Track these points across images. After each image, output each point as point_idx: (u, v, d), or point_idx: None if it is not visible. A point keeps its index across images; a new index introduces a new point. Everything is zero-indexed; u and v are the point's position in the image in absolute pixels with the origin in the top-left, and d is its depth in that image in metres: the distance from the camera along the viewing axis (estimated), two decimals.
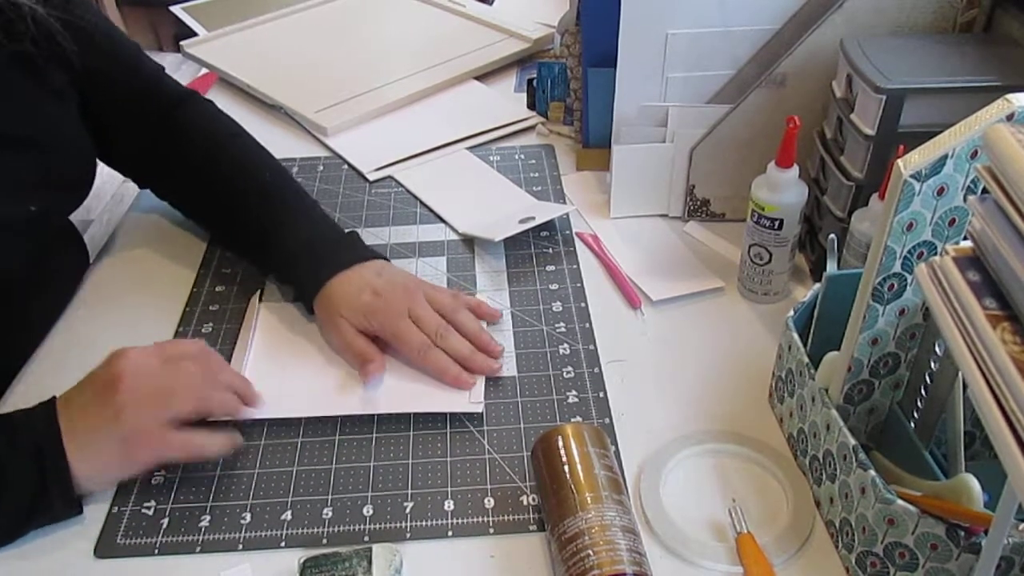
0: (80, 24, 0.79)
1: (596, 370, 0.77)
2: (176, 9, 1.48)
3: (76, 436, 0.63)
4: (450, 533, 0.64)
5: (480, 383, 0.74)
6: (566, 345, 0.79)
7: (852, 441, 0.58)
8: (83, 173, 0.85)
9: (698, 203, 0.93)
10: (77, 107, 0.83)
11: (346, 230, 0.85)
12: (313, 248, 0.81)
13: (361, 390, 0.74)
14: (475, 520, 0.64)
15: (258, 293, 0.85)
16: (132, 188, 1.00)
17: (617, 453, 0.69)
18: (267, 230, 0.82)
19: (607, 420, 0.72)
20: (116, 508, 0.66)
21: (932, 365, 0.60)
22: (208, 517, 0.65)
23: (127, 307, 0.86)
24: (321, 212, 0.86)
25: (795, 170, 0.76)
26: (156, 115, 0.89)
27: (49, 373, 0.78)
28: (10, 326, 0.79)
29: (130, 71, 0.88)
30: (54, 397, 0.65)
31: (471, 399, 0.73)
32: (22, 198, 0.77)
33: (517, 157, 1.07)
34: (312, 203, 0.87)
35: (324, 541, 0.63)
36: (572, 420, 0.71)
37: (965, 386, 0.50)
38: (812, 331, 0.69)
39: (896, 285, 0.57)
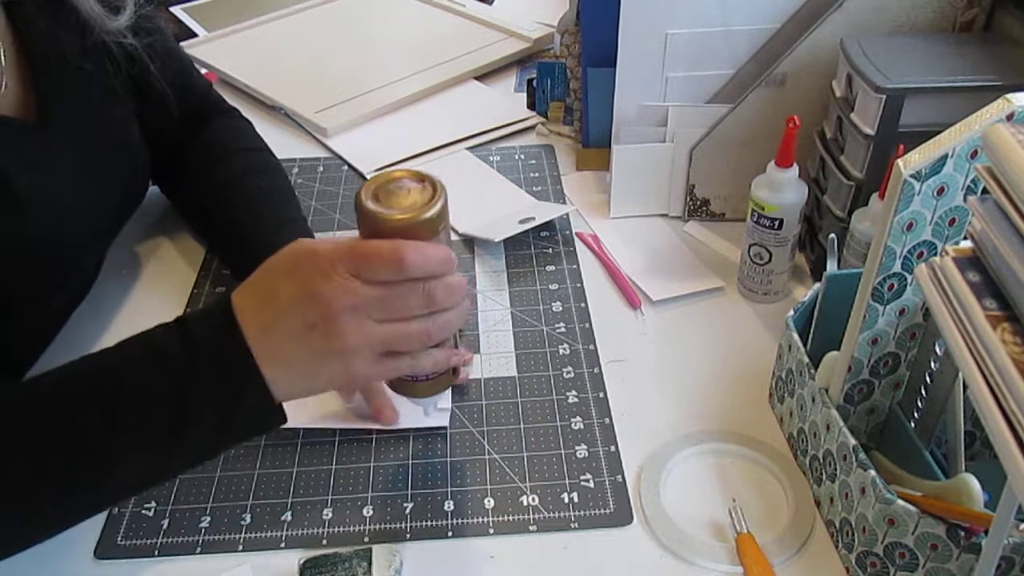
0: (153, 47, 0.80)
1: (596, 370, 0.77)
2: (176, 9, 1.48)
3: (277, 364, 0.53)
4: (450, 533, 0.64)
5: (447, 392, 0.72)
6: (566, 345, 0.79)
7: (852, 441, 0.58)
8: (146, 184, 0.88)
9: (698, 203, 0.93)
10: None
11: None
12: None
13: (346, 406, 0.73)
14: (475, 520, 0.64)
15: None
16: None
17: (617, 453, 0.69)
18: (244, 244, 0.82)
19: (607, 420, 0.72)
20: (116, 509, 0.66)
21: (932, 365, 0.60)
22: (208, 518, 0.65)
23: (127, 307, 0.86)
24: (300, 227, 0.84)
25: (795, 170, 0.76)
26: (190, 127, 0.90)
27: None
28: (33, 328, 0.79)
29: (182, 87, 0.88)
30: (230, 302, 0.55)
31: (438, 405, 0.71)
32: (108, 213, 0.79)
33: (517, 157, 1.07)
34: (290, 218, 0.84)
35: (324, 542, 0.63)
36: None
37: (965, 386, 0.50)
38: (812, 331, 0.69)
39: (896, 285, 0.57)
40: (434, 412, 0.70)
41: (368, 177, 1.03)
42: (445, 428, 0.71)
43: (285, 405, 0.56)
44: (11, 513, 0.53)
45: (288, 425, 0.62)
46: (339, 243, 0.52)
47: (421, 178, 0.54)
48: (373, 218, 0.52)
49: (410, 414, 0.72)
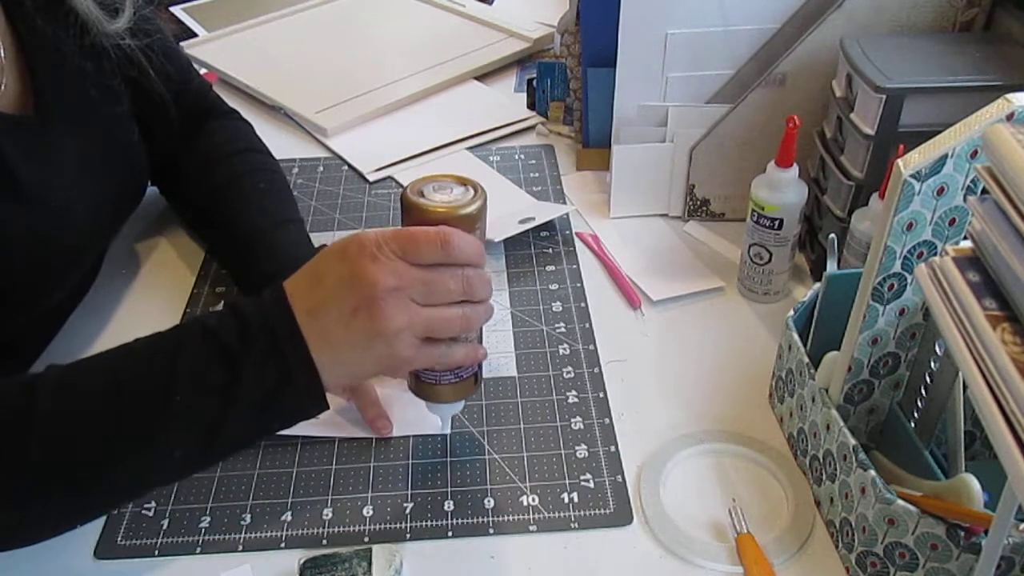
0: (152, 48, 0.80)
1: (596, 370, 0.77)
2: (176, 9, 1.48)
3: (325, 348, 0.54)
4: (450, 533, 0.64)
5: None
6: (566, 345, 0.79)
7: (852, 441, 0.58)
8: (144, 184, 0.88)
9: (698, 203, 0.93)
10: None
11: (316, 244, 0.83)
12: (279, 266, 0.79)
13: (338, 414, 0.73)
14: (475, 520, 0.64)
15: (221, 304, 0.85)
16: None
17: (617, 453, 0.69)
18: (242, 246, 0.82)
19: (607, 420, 0.72)
20: (116, 509, 0.66)
21: (932, 365, 0.60)
22: (208, 518, 0.65)
23: (128, 307, 0.86)
24: (296, 229, 0.84)
25: (795, 170, 0.76)
26: (188, 128, 0.90)
27: None
28: (33, 325, 0.79)
29: (181, 89, 0.88)
30: (283, 288, 0.56)
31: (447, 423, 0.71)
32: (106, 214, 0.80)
33: (517, 157, 1.07)
34: (287, 220, 0.85)
35: (324, 542, 0.63)
36: None
37: (965, 386, 0.50)
38: (812, 331, 0.69)
39: (896, 285, 0.57)
40: (446, 423, 0.70)
41: (368, 177, 1.03)
42: (446, 434, 0.71)
43: None
44: (61, 492, 0.54)
45: (287, 433, 0.62)
46: (387, 229, 0.55)
47: (464, 181, 0.59)
48: (418, 209, 0.56)
49: (404, 423, 0.72)
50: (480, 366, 0.64)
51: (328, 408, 0.57)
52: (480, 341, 0.63)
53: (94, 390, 0.54)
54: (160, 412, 0.53)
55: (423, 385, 0.62)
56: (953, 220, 0.55)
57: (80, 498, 0.56)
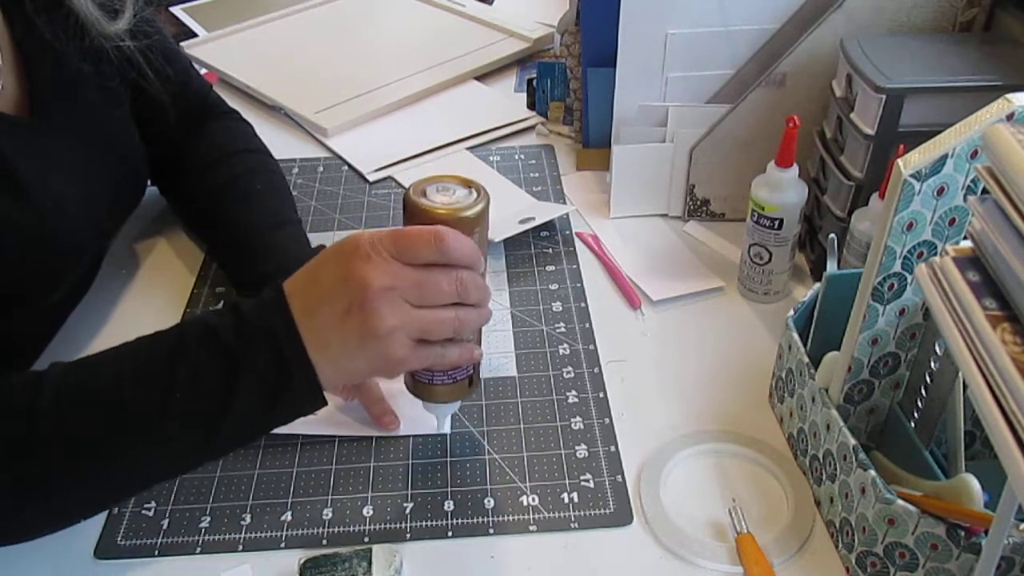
0: (151, 50, 0.80)
1: (596, 370, 0.77)
2: (176, 9, 1.48)
3: (320, 348, 0.55)
4: (450, 533, 0.64)
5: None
6: (566, 345, 0.79)
7: (852, 441, 0.58)
8: (144, 184, 0.88)
9: (698, 203, 0.93)
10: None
11: (315, 244, 0.83)
12: (276, 267, 0.79)
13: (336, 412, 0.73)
14: (475, 520, 0.64)
15: (220, 304, 0.85)
16: None
17: (617, 453, 0.69)
18: (240, 246, 0.82)
19: (607, 420, 0.72)
20: (116, 509, 0.66)
21: (932, 365, 0.60)
22: (208, 518, 0.65)
23: (127, 307, 0.86)
24: (294, 230, 0.84)
25: (795, 170, 0.76)
26: (188, 128, 0.90)
27: None
28: (32, 324, 0.79)
29: (180, 90, 0.88)
30: (281, 288, 0.56)
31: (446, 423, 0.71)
32: (104, 216, 0.80)
33: (517, 157, 1.07)
34: (286, 220, 0.85)
35: (324, 542, 0.63)
36: None
37: (965, 386, 0.50)
38: (812, 331, 0.69)
39: (896, 285, 0.57)
40: (442, 423, 0.69)
41: (368, 177, 1.03)
42: (446, 433, 0.71)
43: None
44: (63, 487, 0.55)
45: (288, 431, 0.62)
46: (383, 230, 0.55)
47: (468, 184, 0.59)
48: (418, 209, 0.56)
49: (410, 421, 0.72)
50: (477, 367, 0.64)
51: (326, 404, 0.57)
52: (479, 343, 0.63)
53: (96, 387, 0.55)
54: (160, 409, 0.54)
55: (418, 384, 0.63)
56: (953, 220, 0.55)
57: (81, 493, 0.57)
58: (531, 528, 0.64)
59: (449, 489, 0.67)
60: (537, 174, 1.03)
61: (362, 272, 0.54)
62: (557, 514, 0.65)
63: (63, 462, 0.54)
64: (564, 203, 0.98)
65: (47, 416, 0.54)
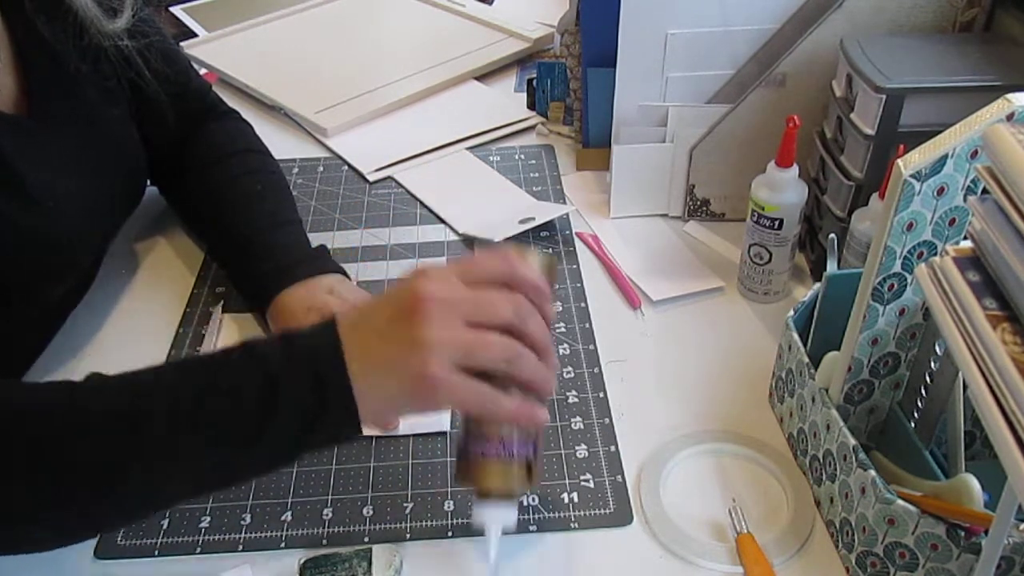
0: (149, 49, 0.80)
1: (596, 370, 0.77)
2: (176, 9, 1.48)
3: (361, 359, 0.53)
4: (450, 533, 0.64)
5: None
6: (566, 345, 0.79)
7: (852, 441, 0.58)
8: (143, 184, 0.88)
9: (698, 203, 0.93)
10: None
11: (315, 244, 0.83)
12: (276, 266, 0.79)
13: None
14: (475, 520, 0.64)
15: (220, 304, 0.85)
16: None
17: (617, 453, 0.69)
18: (239, 246, 0.82)
19: (607, 420, 0.72)
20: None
21: (932, 365, 0.60)
22: (208, 518, 0.65)
23: (127, 307, 0.86)
24: (294, 230, 0.84)
25: (795, 170, 0.76)
26: (188, 128, 0.90)
27: (49, 374, 0.78)
28: (30, 324, 0.79)
29: (180, 89, 0.88)
30: (334, 316, 0.55)
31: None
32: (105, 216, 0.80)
33: (517, 157, 1.07)
34: (286, 220, 0.85)
35: (324, 542, 0.63)
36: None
37: (965, 386, 0.50)
38: (812, 331, 0.69)
39: (896, 285, 0.57)
40: (491, 538, 0.58)
41: (368, 177, 1.03)
42: (446, 431, 0.71)
43: None
44: (84, 500, 0.53)
45: None
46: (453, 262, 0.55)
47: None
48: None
49: (410, 421, 0.72)
50: (538, 456, 0.56)
51: (362, 433, 0.54)
52: (540, 438, 0.57)
53: (122, 402, 0.53)
54: (190, 427, 0.52)
55: (469, 465, 0.55)
56: (953, 220, 0.55)
57: (105, 504, 0.54)
58: (531, 528, 0.64)
59: (449, 489, 0.67)
60: (537, 174, 1.03)
61: (417, 283, 0.52)
62: (557, 514, 0.65)
63: (93, 472, 0.52)
64: (564, 203, 0.98)
65: (81, 424, 0.52)
